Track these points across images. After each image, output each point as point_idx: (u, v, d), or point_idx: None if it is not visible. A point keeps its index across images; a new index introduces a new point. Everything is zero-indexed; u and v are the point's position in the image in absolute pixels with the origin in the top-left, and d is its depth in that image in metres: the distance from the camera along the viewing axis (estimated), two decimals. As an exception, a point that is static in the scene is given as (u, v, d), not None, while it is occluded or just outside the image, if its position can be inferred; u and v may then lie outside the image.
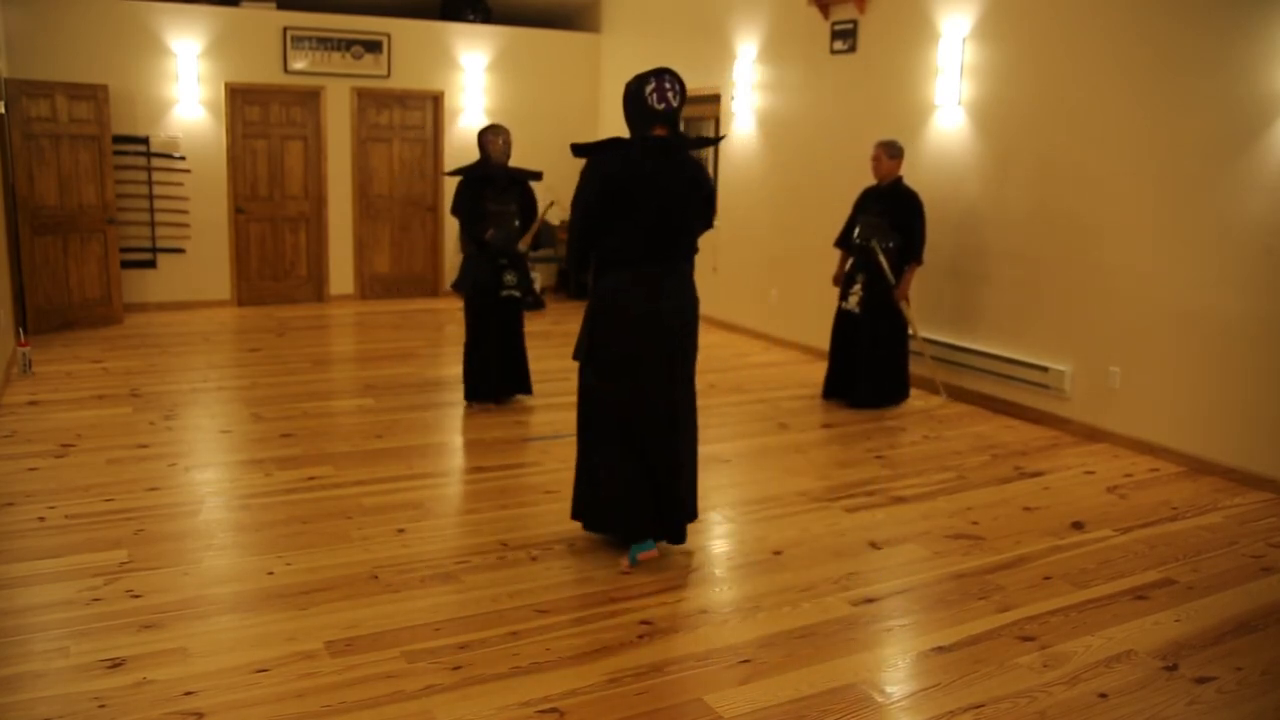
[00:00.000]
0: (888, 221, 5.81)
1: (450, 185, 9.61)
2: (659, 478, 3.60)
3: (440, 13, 9.73)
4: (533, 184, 5.82)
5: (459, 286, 5.76)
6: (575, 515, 3.82)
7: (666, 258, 3.56)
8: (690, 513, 3.76)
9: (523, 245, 5.74)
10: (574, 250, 3.63)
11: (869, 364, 5.92)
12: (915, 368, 6.22)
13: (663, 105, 3.45)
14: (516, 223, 5.68)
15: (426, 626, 3.12)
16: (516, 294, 5.70)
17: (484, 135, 5.65)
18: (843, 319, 6.05)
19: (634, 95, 3.49)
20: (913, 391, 6.16)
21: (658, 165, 3.49)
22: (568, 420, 5.50)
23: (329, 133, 9.20)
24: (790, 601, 3.37)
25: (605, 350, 3.57)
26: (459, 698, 2.72)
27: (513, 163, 5.78)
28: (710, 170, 8.89)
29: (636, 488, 3.59)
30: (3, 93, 7.00)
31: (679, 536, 3.68)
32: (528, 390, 5.95)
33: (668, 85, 3.46)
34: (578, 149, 3.59)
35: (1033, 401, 5.77)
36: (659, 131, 3.50)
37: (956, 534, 4.02)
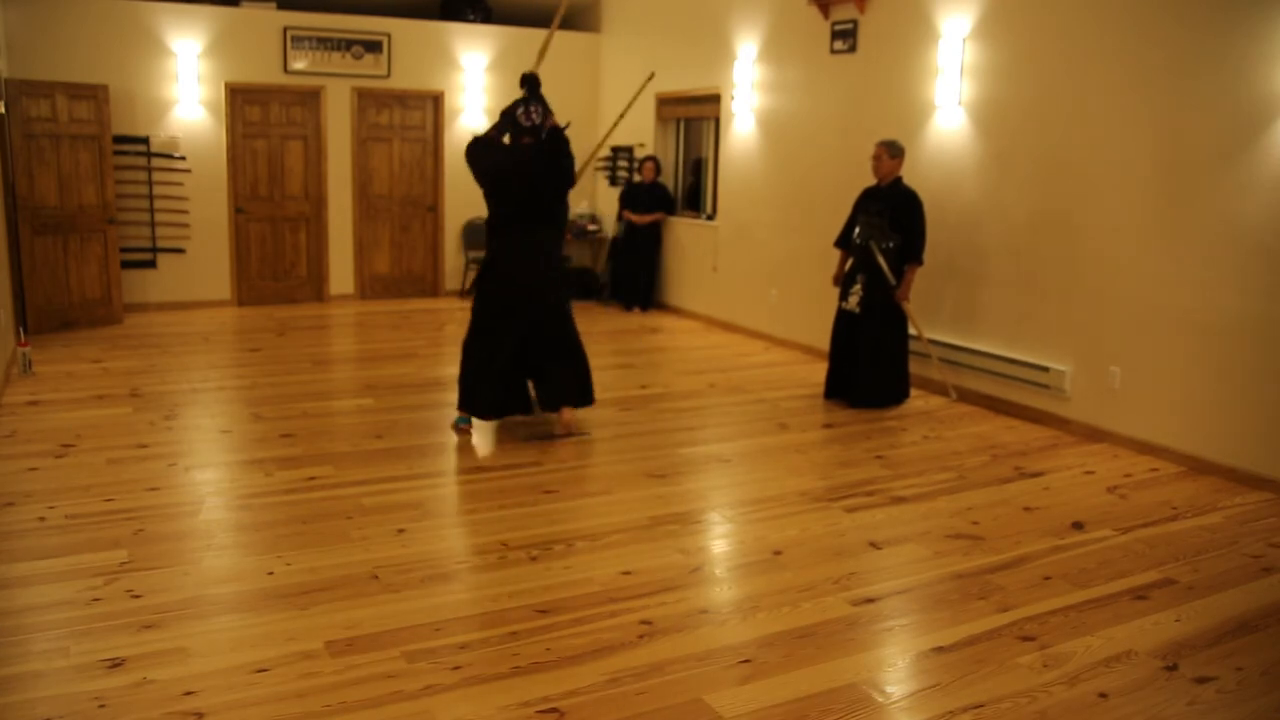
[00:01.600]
0: (887, 221, 5.80)
1: (450, 186, 9.67)
2: (537, 372, 5.28)
3: (440, 13, 9.73)
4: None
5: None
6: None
7: (531, 220, 5.06)
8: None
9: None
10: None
11: (868, 364, 5.92)
12: (923, 369, 6.22)
13: (528, 123, 5.04)
14: None
15: (426, 626, 3.12)
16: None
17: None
18: (842, 319, 6.05)
19: (509, 115, 5.09)
20: (914, 392, 6.17)
21: (524, 161, 5.05)
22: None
23: (329, 133, 9.21)
24: (790, 601, 3.37)
25: (482, 286, 5.19)
26: (459, 698, 2.72)
27: None
28: (710, 167, 8.90)
29: (484, 389, 5.17)
30: (3, 93, 6.99)
31: (587, 399, 5.36)
32: None
33: (533, 109, 5.06)
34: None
35: (1033, 401, 5.77)
36: (525, 140, 5.06)
37: (956, 534, 4.02)
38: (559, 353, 5.21)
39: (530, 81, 5.20)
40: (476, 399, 5.16)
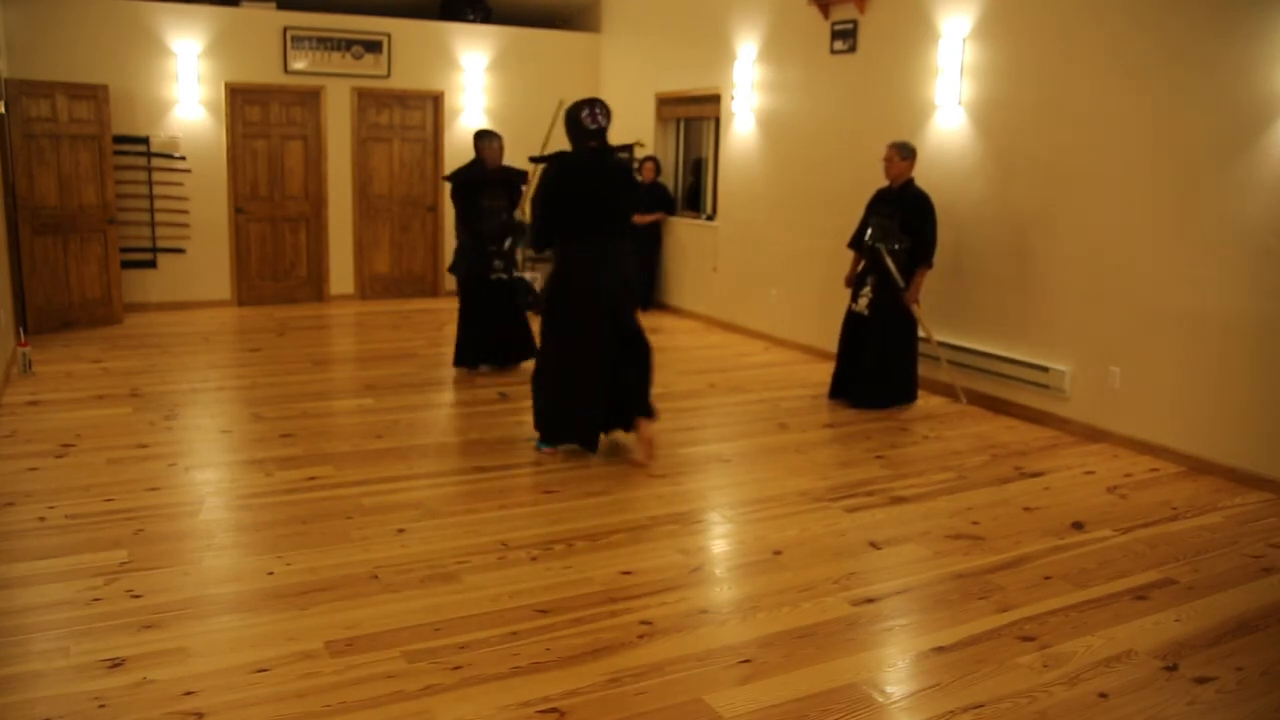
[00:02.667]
0: (897, 224, 5.79)
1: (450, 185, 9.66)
2: (614, 391, 4.84)
3: (440, 13, 9.73)
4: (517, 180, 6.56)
5: (455, 270, 6.56)
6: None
7: (603, 233, 4.74)
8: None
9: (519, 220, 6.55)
10: (538, 231, 4.84)
11: (872, 365, 5.91)
12: (931, 372, 6.22)
13: (594, 125, 4.71)
14: (505, 216, 6.44)
15: (426, 626, 3.12)
16: (504, 276, 6.51)
17: (480, 140, 6.38)
18: (851, 320, 6.04)
19: (574, 119, 4.74)
20: (921, 394, 6.16)
21: (593, 167, 4.76)
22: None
23: (329, 133, 9.21)
24: (790, 601, 3.37)
25: (560, 302, 4.81)
26: (459, 698, 2.72)
27: (517, 159, 6.51)
28: (710, 167, 8.90)
29: (577, 415, 4.84)
30: (3, 93, 6.99)
31: (634, 417, 4.87)
32: (532, 356, 6.47)
33: (598, 111, 4.72)
34: (535, 159, 5.10)
35: (1033, 401, 5.77)
36: (592, 144, 4.76)
37: (956, 534, 4.02)
38: (632, 359, 4.89)
39: None
40: (577, 426, 4.87)
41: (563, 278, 4.82)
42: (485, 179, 6.34)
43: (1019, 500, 4.44)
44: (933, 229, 5.78)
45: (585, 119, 4.71)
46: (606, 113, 4.76)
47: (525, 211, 6.54)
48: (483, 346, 6.56)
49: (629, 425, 4.91)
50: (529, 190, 6.53)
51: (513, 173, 6.52)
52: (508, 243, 6.48)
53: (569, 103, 4.87)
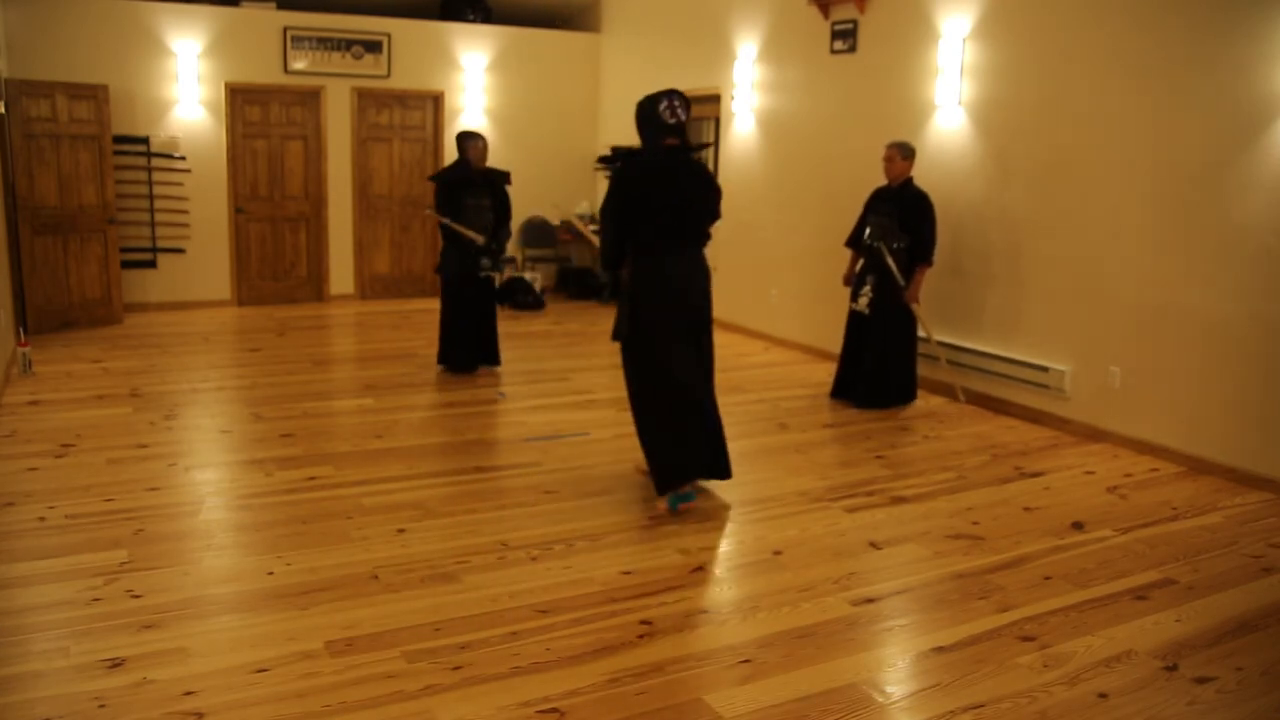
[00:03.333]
0: (897, 223, 5.80)
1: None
2: (708, 425, 4.26)
3: (440, 13, 9.73)
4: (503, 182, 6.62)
5: (443, 271, 6.54)
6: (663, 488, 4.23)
7: (685, 243, 4.22)
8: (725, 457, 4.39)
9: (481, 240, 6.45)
10: (609, 245, 4.24)
11: (874, 365, 5.91)
12: (931, 371, 6.22)
13: (673, 119, 4.12)
14: (491, 216, 6.46)
15: (426, 626, 3.12)
16: (493, 273, 6.55)
17: (464, 140, 6.41)
18: (853, 319, 6.05)
19: (649, 112, 4.14)
20: (920, 393, 6.16)
21: (672, 167, 4.17)
22: (568, 420, 5.52)
23: (329, 133, 9.21)
24: (790, 601, 3.37)
25: (646, 323, 4.18)
26: (459, 698, 2.72)
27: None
28: (710, 168, 8.89)
29: (693, 441, 4.21)
30: (3, 93, 7.00)
31: (727, 472, 4.37)
32: (496, 362, 6.69)
33: (677, 103, 4.13)
34: (605, 160, 4.40)
35: (1033, 401, 5.77)
36: (670, 141, 4.16)
37: (956, 534, 4.02)
38: (707, 399, 4.33)
39: None
40: (688, 461, 4.20)
41: (646, 299, 4.16)
42: (470, 179, 6.39)
43: (1019, 500, 4.44)
44: (932, 228, 5.79)
45: (664, 112, 4.11)
46: (686, 105, 4.17)
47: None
48: (470, 346, 6.57)
49: (725, 471, 4.37)
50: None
51: (496, 174, 6.57)
52: (492, 241, 6.48)
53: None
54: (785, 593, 3.43)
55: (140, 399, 5.78)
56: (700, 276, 4.25)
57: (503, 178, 6.62)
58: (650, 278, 4.16)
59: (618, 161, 4.34)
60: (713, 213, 4.30)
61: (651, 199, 4.10)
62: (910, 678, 2.92)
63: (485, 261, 6.46)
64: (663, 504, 4.16)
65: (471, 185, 6.40)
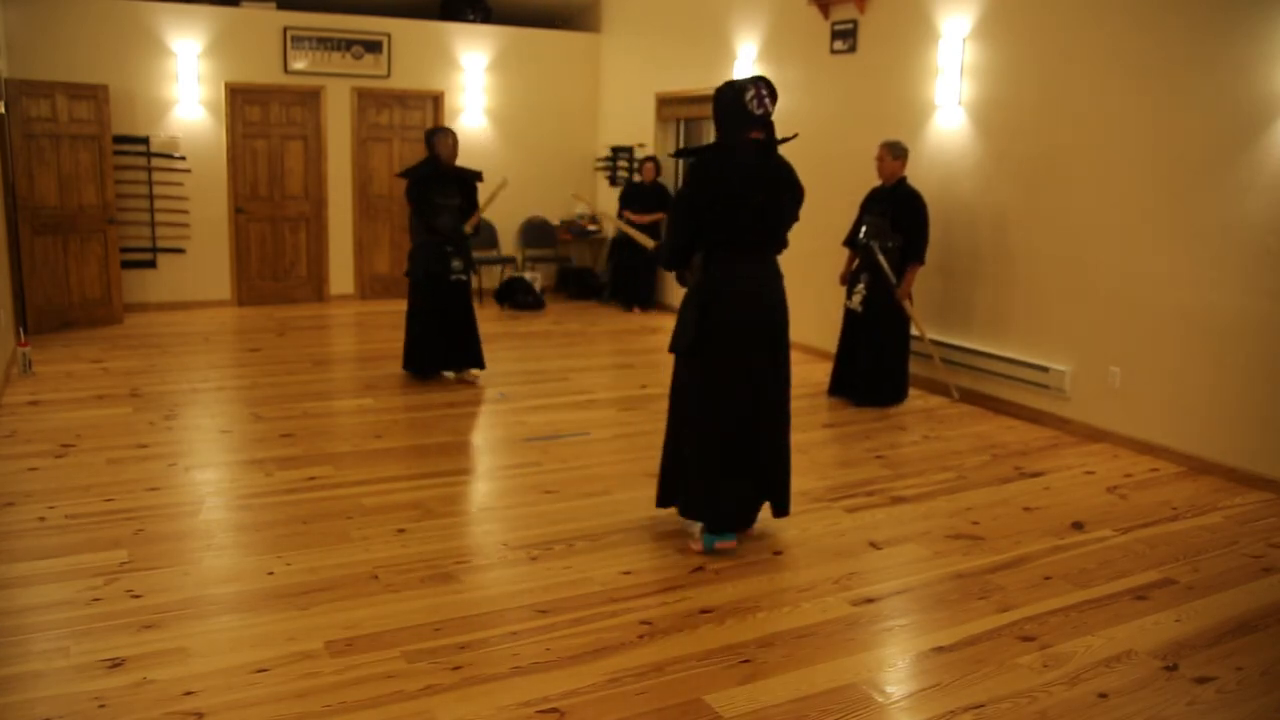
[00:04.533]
0: (889, 222, 5.82)
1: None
2: (763, 459, 3.80)
3: (440, 13, 9.73)
4: (473, 179, 6.42)
5: (412, 274, 6.32)
6: (665, 504, 3.98)
7: (763, 249, 3.85)
8: (783, 493, 3.92)
9: (468, 228, 6.30)
10: (678, 246, 3.83)
11: (869, 363, 5.94)
12: (925, 369, 6.22)
13: (760, 111, 3.68)
14: (460, 215, 6.30)
15: (426, 626, 3.12)
16: (464, 278, 6.32)
17: (434, 136, 6.22)
18: (848, 317, 6.08)
19: (733, 101, 3.69)
20: (914, 391, 6.16)
21: (757, 165, 3.76)
22: (568, 420, 5.52)
23: (329, 133, 9.20)
24: (790, 601, 3.37)
25: (715, 336, 3.77)
26: (459, 698, 2.72)
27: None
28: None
29: (742, 488, 3.81)
30: (3, 93, 6.99)
31: (784, 509, 3.91)
32: (480, 365, 6.41)
33: (764, 92, 3.69)
34: (681, 153, 4.19)
35: (1033, 401, 5.77)
36: (755, 135, 3.74)
37: (956, 534, 4.02)
38: (775, 429, 3.87)
39: None
40: (725, 500, 3.77)
41: (717, 309, 3.76)
42: (440, 175, 6.18)
43: (1019, 500, 4.44)
44: (923, 227, 5.81)
45: (750, 102, 3.66)
46: (774, 95, 3.75)
47: (498, 188, 6.42)
48: (436, 349, 6.34)
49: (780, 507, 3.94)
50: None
51: (467, 172, 6.37)
52: (469, 228, 6.29)
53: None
54: (785, 593, 3.43)
55: (140, 399, 5.78)
56: (777, 285, 3.87)
57: (474, 176, 6.42)
58: (723, 285, 3.75)
59: (690, 155, 3.95)
60: (794, 216, 3.98)
61: (734, 198, 3.68)
62: (910, 678, 2.92)
63: (457, 264, 6.26)
64: (697, 545, 3.79)
65: (442, 182, 6.19)
